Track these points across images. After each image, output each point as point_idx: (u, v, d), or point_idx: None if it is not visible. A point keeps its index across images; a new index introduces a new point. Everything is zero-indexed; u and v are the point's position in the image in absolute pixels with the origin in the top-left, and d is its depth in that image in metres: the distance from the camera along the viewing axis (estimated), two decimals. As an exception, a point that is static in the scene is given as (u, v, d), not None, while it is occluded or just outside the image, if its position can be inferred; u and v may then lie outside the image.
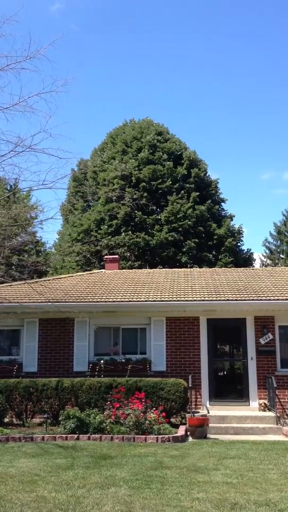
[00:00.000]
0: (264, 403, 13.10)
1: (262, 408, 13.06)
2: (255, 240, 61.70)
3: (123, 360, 13.80)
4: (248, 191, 63.51)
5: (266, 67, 59.38)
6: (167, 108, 59.68)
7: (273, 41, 57.15)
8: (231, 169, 61.52)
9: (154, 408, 11.38)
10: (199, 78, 59.41)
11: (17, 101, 9.40)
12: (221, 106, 60.86)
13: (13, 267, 17.76)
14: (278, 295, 13.84)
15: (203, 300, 13.74)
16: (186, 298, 13.90)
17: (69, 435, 10.63)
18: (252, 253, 31.17)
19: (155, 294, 14.42)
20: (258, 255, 38.77)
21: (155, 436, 10.46)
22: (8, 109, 9.43)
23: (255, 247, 73.74)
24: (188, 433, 11.21)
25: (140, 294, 14.47)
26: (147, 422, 10.78)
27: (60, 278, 18.01)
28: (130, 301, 13.96)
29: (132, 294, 14.50)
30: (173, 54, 58.47)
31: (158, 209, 27.50)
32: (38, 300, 13.75)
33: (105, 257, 20.30)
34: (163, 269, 20.46)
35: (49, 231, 59.47)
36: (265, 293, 14.08)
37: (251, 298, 13.72)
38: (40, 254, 25.74)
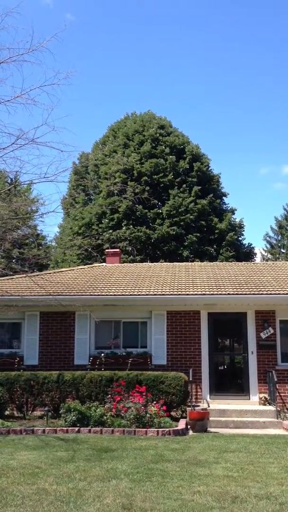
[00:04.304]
0: (265, 397, 13.12)
1: (262, 402, 13.08)
2: (255, 234, 61.69)
3: (124, 354, 13.81)
4: (247, 185, 63.40)
5: (266, 64, 59.14)
6: (168, 103, 59.49)
7: (274, 38, 56.89)
8: (230, 163, 61.39)
9: (154, 402, 11.39)
10: (200, 73, 59.18)
11: (19, 94, 9.31)
12: (220, 100, 60.68)
13: (13, 260, 17.74)
14: (279, 289, 13.83)
15: (204, 294, 13.73)
16: (187, 292, 13.90)
17: (70, 428, 10.66)
18: (253, 248, 31.16)
19: (156, 288, 14.42)
20: (259, 249, 38.75)
21: (156, 429, 10.48)
22: (10, 101, 9.34)
23: (256, 241, 73.77)
24: (189, 426, 11.24)
25: (141, 288, 14.47)
26: (147, 415, 10.81)
27: (61, 271, 18.00)
28: (131, 294, 13.96)
29: (133, 288, 14.49)
30: (175, 48, 58.21)
31: (159, 203, 27.45)
32: (39, 293, 13.74)
33: (106, 250, 20.29)
34: (164, 263, 20.45)
35: (50, 224, 59.40)
36: (266, 287, 14.07)
37: (252, 292, 13.71)
38: (41, 247, 25.71)
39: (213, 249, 27.11)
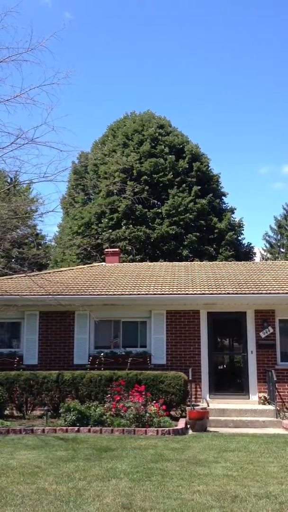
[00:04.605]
0: (264, 397, 13.13)
1: (262, 401, 13.08)
2: (254, 234, 61.71)
3: (124, 353, 13.80)
4: (247, 185, 63.46)
5: (266, 64, 59.12)
6: (168, 103, 59.47)
7: (274, 38, 56.88)
8: (230, 163, 61.44)
9: (154, 401, 11.39)
10: (200, 73, 59.16)
11: (19, 93, 9.30)
12: (220, 100, 60.66)
13: (13, 259, 17.75)
14: (279, 289, 13.83)
15: (203, 294, 13.73)
16: (187, 292, 13.89)
17: (70, 428, 10.66)
18: (252, 247, 31.17)
19: (156, 287, 14.41)
20: (258, 249, 38.79)
21: (155, 429, 10.48)
22: (9, 101, 9.34)
23: (255, 241, 73.81)
24: (188, 426, 11.24)
25: (140, 287, 14.46)
26: (147, 415, 10.80)
27: (61, 271, 17.99)
28: (130, 294, 13.95)
29: (133, 287, 14.48)
30: (175, 48, 58.17)
31: (159, 203, 27.43)
32: (39, 293, 13.75)
33: (106, 250, 20.27)
34: (164, 263, 20.44)
35: (50, 224, 59.56)
36: (265, 286, 14.07)
37: (251, 291, 13.71)
38: (40, 247, 25.70)
39: (212, 249, 27.10)
